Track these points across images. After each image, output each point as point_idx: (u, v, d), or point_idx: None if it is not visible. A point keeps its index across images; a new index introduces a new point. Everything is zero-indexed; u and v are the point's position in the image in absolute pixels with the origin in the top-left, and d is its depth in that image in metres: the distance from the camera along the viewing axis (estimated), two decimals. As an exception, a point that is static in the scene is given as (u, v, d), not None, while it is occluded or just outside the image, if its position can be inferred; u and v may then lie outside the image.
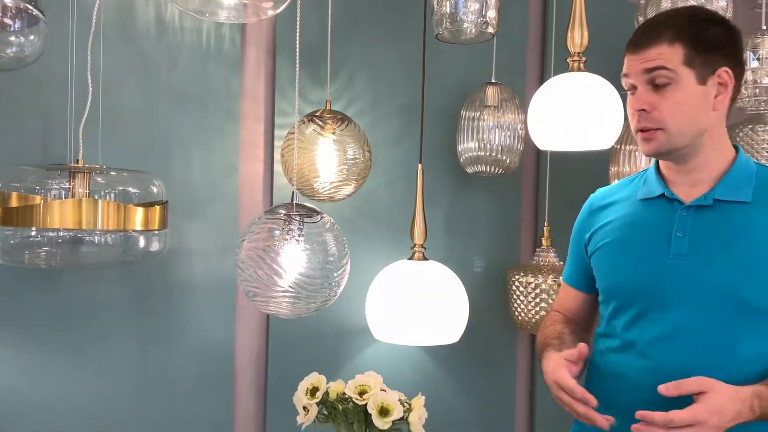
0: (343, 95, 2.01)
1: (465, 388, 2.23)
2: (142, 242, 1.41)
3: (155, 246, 1.44)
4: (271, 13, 1.17)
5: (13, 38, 1.10)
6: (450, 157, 2.16)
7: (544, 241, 2.14)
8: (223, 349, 1.88)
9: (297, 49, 1.32)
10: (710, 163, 1.25)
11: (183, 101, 1.79)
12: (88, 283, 1.67)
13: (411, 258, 1.91)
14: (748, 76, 1.80)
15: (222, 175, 1.86)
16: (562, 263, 2.06)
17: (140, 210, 1.40)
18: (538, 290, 2.04)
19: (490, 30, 1.44)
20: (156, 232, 1.44)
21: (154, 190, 1.44)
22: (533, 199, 2.38)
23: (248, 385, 1.94)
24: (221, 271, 1.87)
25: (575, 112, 1.48)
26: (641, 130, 1.23)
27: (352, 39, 2.01)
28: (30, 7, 1.05)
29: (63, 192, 1.39)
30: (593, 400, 1.17)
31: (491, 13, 1.41)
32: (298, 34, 1.28)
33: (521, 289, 2.06)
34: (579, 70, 1.54)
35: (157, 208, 1.43)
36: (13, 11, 1.04)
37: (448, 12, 1.41)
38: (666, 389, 1.10)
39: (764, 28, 1.82)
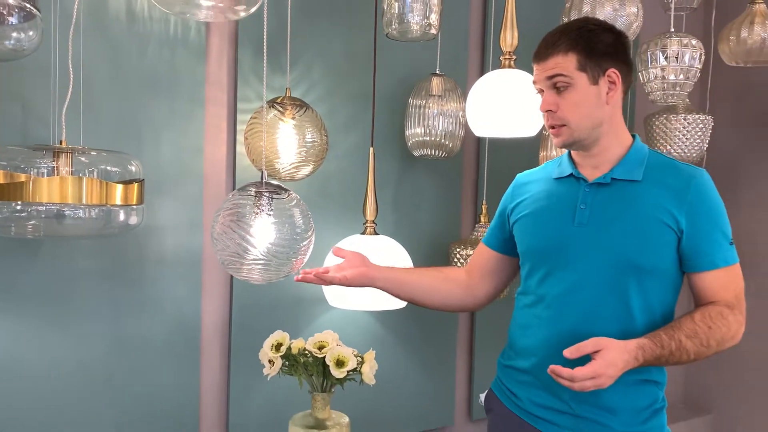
0: (302, 83, 2.17)
1: (410, 349, 2.45)
2: (122, 216, 1.56)
3: (134, 220, 1.59)
4: (243, 14, 1.32)
5: (15, 34, 1.23)
6: (398, 142, 2.35)
7: (482, 218, 2.36)
8: (191, 316, 2.03)
9: (265, 44, 1.48)
10: (609, 149, 1.49)
11: (153, 87, 1.92)
12: (67, 255, 1.80)
13: (363, 233, 2.10)
14: (658, 72, 2.05)
15: (189, 156, 2.00)
16: (498, 238, 2.29)
17: (120, 187, 1.54)
18: (476, 262, 2.27)
19: (433, 31, 1.64)
20: (134, 207, 1.59)
21: (132, 168, 1.59)
22: (474, 180, 2.60)
23: (213, 349, 2.10)
24: (188, 245, 2.01)
25: (505, 104, 1.70)
26: (551, 127, 1.48)
27: (310, 32, 2.17)
28: (28, 5, 1.18)
29: (47, 170, 1.52)
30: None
31: (434, 17, 1.60)
32: (265, 30, 1.44)
33: (462, 260, 2.29)
34: (510, 67, 1.75)
35: (135, 185, 1.58)
36: (16, 10, 1.16)
37: (397, 14, 1.60)
38: (570, 353, 1.30)
39: (672, 30, 2.07)
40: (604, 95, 1.44)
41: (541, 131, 1.97)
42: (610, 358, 1.30)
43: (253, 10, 1.32)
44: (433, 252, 2.44)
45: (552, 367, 1.31)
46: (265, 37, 1.49)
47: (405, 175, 2.41)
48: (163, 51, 1.93)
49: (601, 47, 1.42)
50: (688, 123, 2.45)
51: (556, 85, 1.43)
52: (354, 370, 1.62)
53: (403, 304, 2.10)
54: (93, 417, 1.89)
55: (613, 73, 1.43)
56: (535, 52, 1.47)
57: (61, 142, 1.55)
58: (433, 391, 2.53)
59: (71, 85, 1.54)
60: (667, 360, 1.37)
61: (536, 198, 1.58)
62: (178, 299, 2.00)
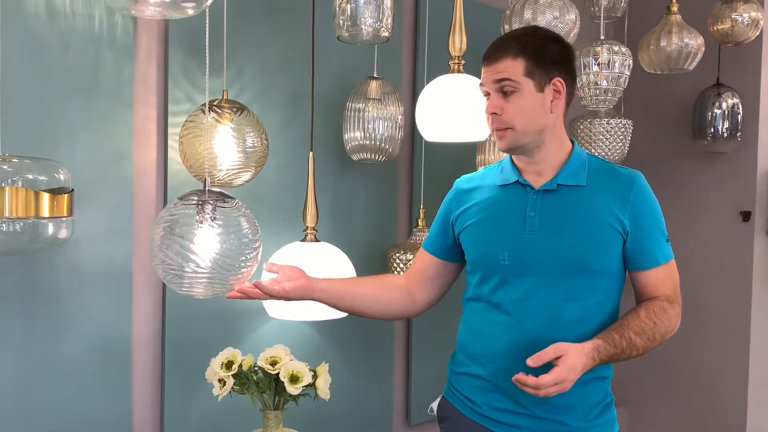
0: (234, 84, 2.07)
1: (349, 358, 2.40)
2: (51, 229, 1.42)
3: (63, 233, 1.45)
4: (191, 12, 1.23)
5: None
6: (333, 145, 2.30)
7: (420, 222, 2.35)
8: (120, 334, 1.88)
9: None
10: (552, 155, 1.52)
11: (76, 87, 1.77)
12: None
13: (304, 240, 2.04)
14: (591, 78, 2.11)
15: (116, 161, 1.86)
16: (436, 242, 2.28)
17: (47, 196, 1.40)
18: (416, 266, 2.25)
19: (386, 34, 1.60)
20: (64, 219, 1.45)
21: (61, 177, 1.45)
22: (408, 183, 2.59)
23: (145, 368, 1.97)
24: (116, 256, 1.87)
25: (455, 109, 1.69)
26: (496, 130, 1.48)
27: (243, 31, 2.08)
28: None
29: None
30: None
31: (387, 20, 1.57)
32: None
33: (402, 265, 2.26)
34: (459, 71, 1.75)
35: (65, 195, 1.45)
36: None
37: (349, 15, 1.55)
38: (533, 361, 1.31)
39: (602, 38, 2.14)
40: (549, 103, 1.46)
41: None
42: (571, 363, 1.32)
43: (204, 7, 1.23)
44: (372, 257, 2.41)
45: (517, 376, 1.32)
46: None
47: (341, 180, 2.36)
48: (87, 49, 1.78)
49: (549, 56, 1.45)
50: (611, 127, 2.55)
51: (504, 89, 1.44)
52: (309, 385, 1.56)
53: (343, 314, 2.05)
54: (13, 449, 1.71)
55: (558, 82, 1.46)
56: (485, 55, 1.48)
57: (-22, 149, 1.40)
58: (372, 398, 2.50)
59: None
60: (619, 357, 1.41)
61: (483, 206, 1.57)
62: (103, 317, 1.85)
